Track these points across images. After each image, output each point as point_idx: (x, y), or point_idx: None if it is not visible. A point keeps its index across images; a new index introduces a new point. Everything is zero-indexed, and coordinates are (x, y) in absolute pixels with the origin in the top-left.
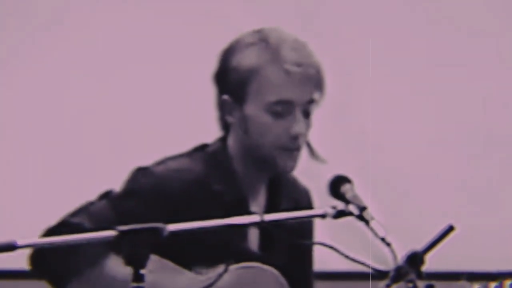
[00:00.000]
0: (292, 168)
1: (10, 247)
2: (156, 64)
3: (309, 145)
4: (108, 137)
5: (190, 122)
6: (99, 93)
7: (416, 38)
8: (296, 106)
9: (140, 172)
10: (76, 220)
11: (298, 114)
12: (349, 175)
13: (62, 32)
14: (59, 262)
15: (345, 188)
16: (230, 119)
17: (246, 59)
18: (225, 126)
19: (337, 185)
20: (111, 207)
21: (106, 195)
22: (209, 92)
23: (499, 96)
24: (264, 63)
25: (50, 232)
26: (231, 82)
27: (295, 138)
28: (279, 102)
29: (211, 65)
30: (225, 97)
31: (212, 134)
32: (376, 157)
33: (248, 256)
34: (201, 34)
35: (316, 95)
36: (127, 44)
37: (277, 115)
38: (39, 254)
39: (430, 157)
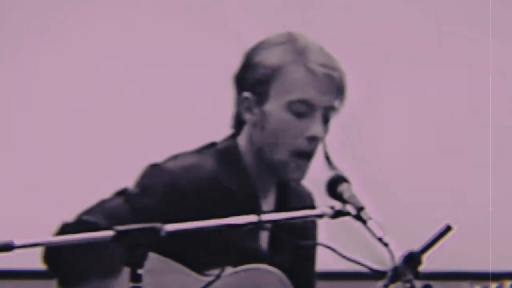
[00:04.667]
0: (300, 178)
1: (7, 247)
2: (165, 63)
3: (327, 157)
4: (116, 135)
5: (197, 120)
6: (109, 91)
7: (412, 38)
8: (317, 109)
9: (154, 169)
10: (92, 218)
11: (318, 117)
12: (347, 175)
13: (78, 27)
14: (70, 262)
15: (343, 188)
16: (248, 116)
17: (272, 56)
18: (238, 125)
19: (334, 185)
20: (128, 205)
21: (122, 193)
22: (218, 91)
23: (500, 96)
24: (290, 61)
25: (65, 228)
26: (254, 79)
27: (311, 140)
28: (301, 101)
29: (224, 64)
30: (246, 94)
31: (219, 132)
32: (374, 157)
33: (257, 257)
34: (210, 32)
35: (337, 102)
36: (138, 44)
37: (297, 115)
38: (51, 251)
39: (428, 157)
